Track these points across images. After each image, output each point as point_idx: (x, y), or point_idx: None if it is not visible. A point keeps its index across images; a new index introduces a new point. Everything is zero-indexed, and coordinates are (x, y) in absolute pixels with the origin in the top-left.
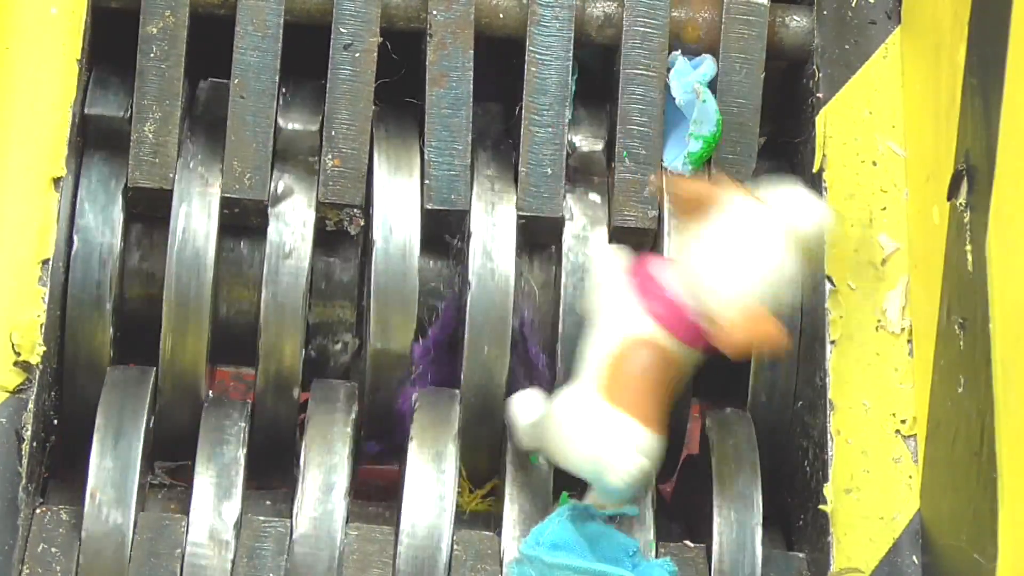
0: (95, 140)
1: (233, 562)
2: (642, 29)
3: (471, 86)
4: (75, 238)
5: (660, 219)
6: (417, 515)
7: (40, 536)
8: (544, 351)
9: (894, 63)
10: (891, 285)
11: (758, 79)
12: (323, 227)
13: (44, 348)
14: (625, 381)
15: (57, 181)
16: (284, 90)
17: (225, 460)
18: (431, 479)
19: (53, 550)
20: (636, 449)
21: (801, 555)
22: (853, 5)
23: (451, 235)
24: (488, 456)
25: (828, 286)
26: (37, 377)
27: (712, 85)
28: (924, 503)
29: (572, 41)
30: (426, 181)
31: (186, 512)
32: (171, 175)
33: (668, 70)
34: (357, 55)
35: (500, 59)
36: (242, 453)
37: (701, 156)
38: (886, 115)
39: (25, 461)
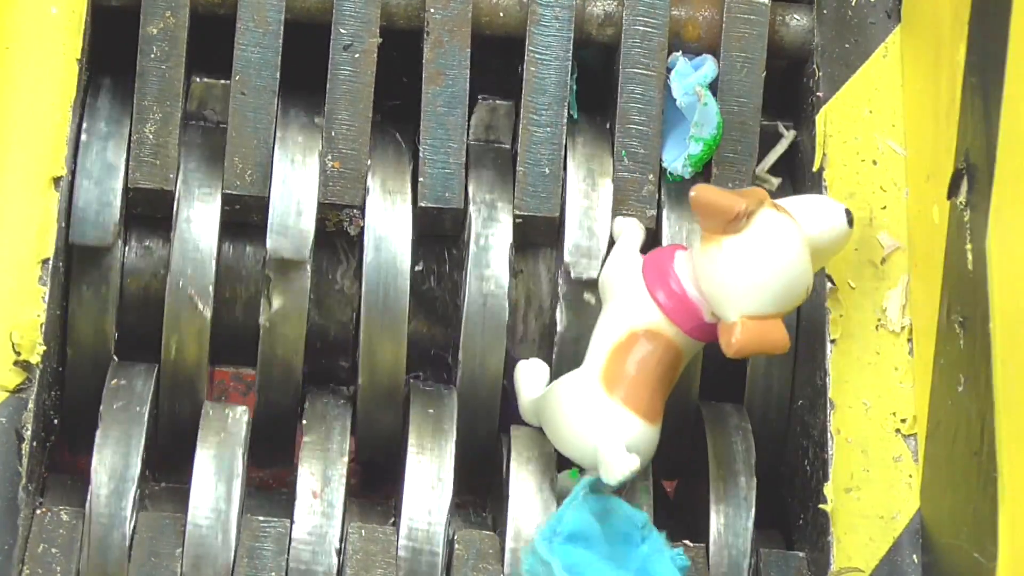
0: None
1: (233, 562)
2: (642, 28)
3: (467, 84)
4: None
5: (659, 219)
6: (417, 515)
7: (40, 536)
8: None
9: (894, 62)
10: (891, 284)
11: (759, 78)
12: (323, 228)
13: (44, 348)
14: (626, 372)
15: (57, 181)
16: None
17: (225, 460)
18: (430, 478)
19: (53, 550)
20: (630, 444)
21: (801, 554)
22: (853, 4)
23: (445, 234)
24: (487, 453)
25: (828, 285)
26: (37, 377)
27: (713, 85)
28: (924, 502)
29: (571, 41)
30: (420, 179)
31: (186, 512)
32: (172, 176)
33: (669, 71)
34: (357, 56)
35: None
36: (243, 453)
37: (701, 158)
38: (886, 114)
39: (25, 461)
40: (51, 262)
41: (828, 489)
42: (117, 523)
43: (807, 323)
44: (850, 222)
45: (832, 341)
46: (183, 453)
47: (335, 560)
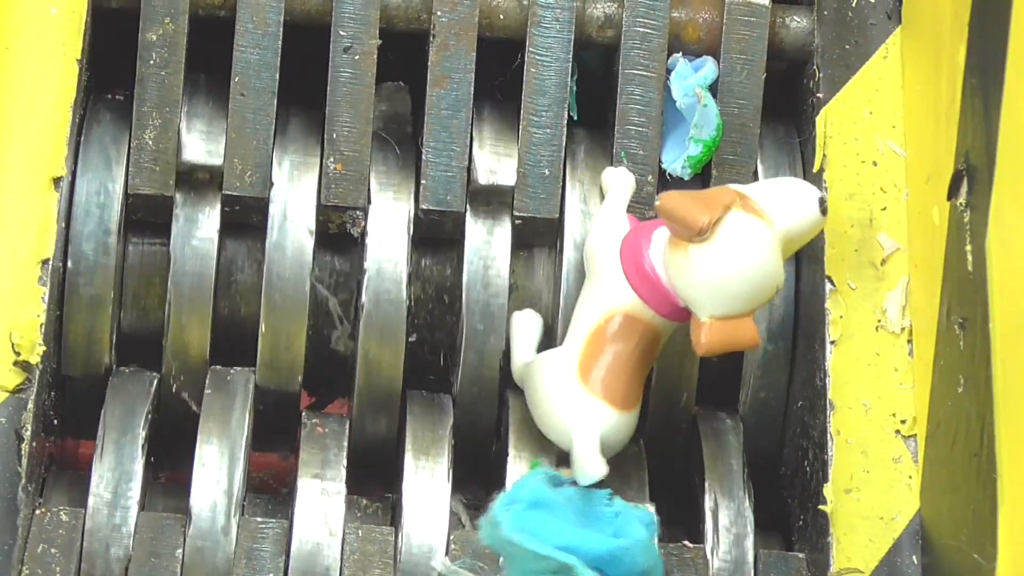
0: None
1: (232, 563)
2: (641, 29)
3: (472, 88)
4: (75, 238)
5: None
6: (414, 516)
7: (40, 536)
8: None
9: (894, 63)
10: (891, 285)
11: (759, 80)
12: (325, 229)
13: (44, 348)
14: (602, 361)
15: (57, 181)
16: None
17: (225, 460)
18: (427, 480)
19: (53, 550)
20: (605, 434)
21: (801, 555)
22: (853, 6)
23: (445, 237)
24: (483, 456)
25: (828, 286)
26: (37, 377)
27: (713, 87)
28: (924, 503)
29: (572, 43)
30: (422, 181)
31: (186, 512)
32: (171, 182)
33: (669, 72)
34: (357, 58)
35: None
36: (242, 454)
37: (700, 160)
38: (886, 115)
39: (25, 461)
40: (51, 262)
41: (828, 490)
42: (117, 523)
43: (807, 324)
44: (823, 211)
45: (832, 342)
46: (184, 454)
47: (334, 561)
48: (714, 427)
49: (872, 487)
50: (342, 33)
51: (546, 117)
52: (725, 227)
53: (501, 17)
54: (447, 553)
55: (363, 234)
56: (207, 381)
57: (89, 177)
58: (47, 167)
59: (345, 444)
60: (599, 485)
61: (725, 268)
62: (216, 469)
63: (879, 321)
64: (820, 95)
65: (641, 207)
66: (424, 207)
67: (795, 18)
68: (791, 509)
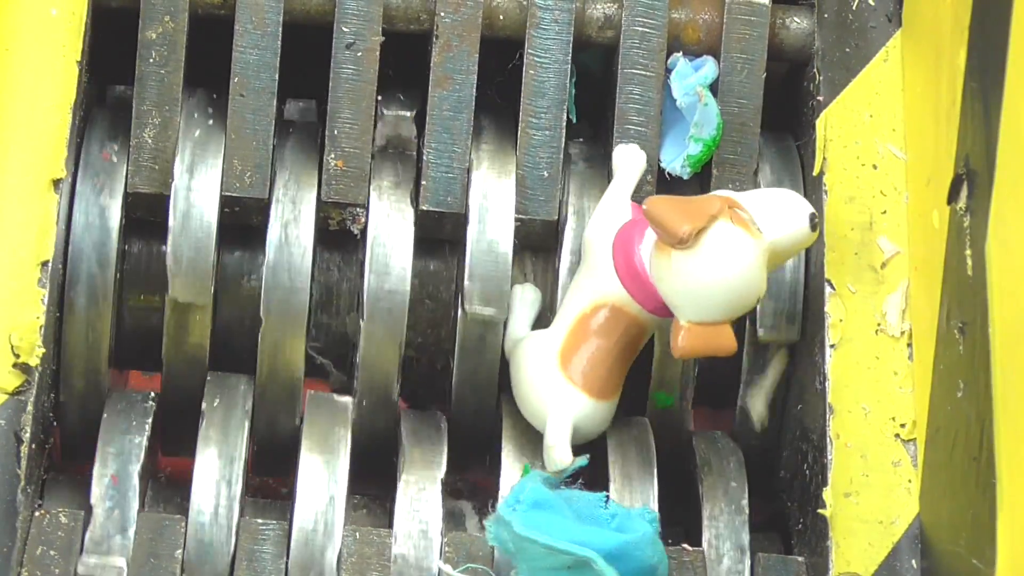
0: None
1: (232, 564)
2: (641, 29)
3: (474, 89)
4: (75, 240)
5: None
6: (409, 518)
7: (39, 538)
8: None
9: (895, 66)
10: (891, 289)
11: (759, 80)
12: (325, 226)
13: (43, 350)
14: (584, 350)
15: (57, 182)
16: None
17: (225, 462)
18: (423, 483)
19: (52, 552)
20: (579, 422)
21: (800, 559)
22: (854, 8)
23: (446, 237)
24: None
25: (828, 289)
26: (36, 379)
27: (713, 87)
28: (923, 507)
29: (571, 44)
30: (423, 182)
31: (186, 513)
32: (170, 181)
33: (669, 72)
34: (359, 54)
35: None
36: (242, 455)
37: (700, 159)
38: (886, 118)
39: (24, 463)
40: (50, 264)
41: (827, 494)
42: (118, 525)
43: (807, 327)
44: (813, 227)
45: (832, 346)
46: (184, 454)
47: (333, 563)
48: (712, 428)
49: (871, 491)
50: (345, 29)
51: (545, 119)
52: (709, 237)
53: (501, 18)
54: (440, 556)
55: (363, 231)
56: (207, 384)
57: (89, 177)
58: (47, 169)
59: (344, 446)
60: (599, 487)
61: (706, 277)
62: (216, 470)
63: (879, 325)
64: (820, 98)
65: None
66: (424, 208)
67: (795, 19)
68: (790, 513)
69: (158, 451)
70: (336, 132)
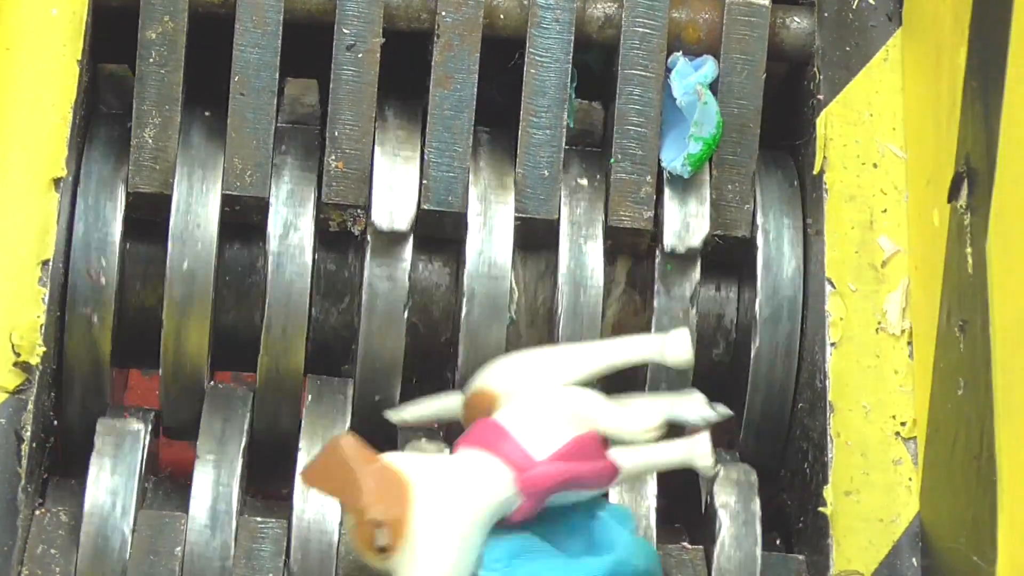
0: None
1: (231, 563)
2: (641, 29)
3: (475, 89)
4: (75, 239)
5: (657, 219)
6: None
7: (39, 537)
8: None
9: (895, 65)
10: (891, 287)
11: (759, 80)
12: (326, 227)
13: (44, 349)
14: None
15: (57, 181)
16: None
17: (225, 460)
18: None
19: (52, 551)
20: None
21: (800, 557)
22: (854, 7)
23: (447, 237)
24: None
25: (828, 288)
26: (37, 378)
27: (713, 86)
28: (924, 506)
29: (571, 44)
30: (424, 181)
31: (186, 511)
32: (171, 180)
33: (669, 71)
34: (360, 56)
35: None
36: (243, 453)
37: (701, 158)
38: (887, 117)
39: (24, 462)
40: (51, 263)
41: (827, 492)
42: (117, 524)
43: (808, 326)
44: None
45: (832, 344)
46: (184, 453)
47: (332, 561)
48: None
49: (872, 489)
50: (345, 31)
51: (545, 118)
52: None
53: (502, 17)
54: None
55: (364, 232)
56: (207, 383)
57: (90, 176)
58: (47, 168)
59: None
60: None
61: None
62: (216, 469)
63: (879, 323)
64: (820, 97)
65: (640, 208)
66: (426, 207)
67: (795, 18)
68: (791, 511)
69: (158, 449)
70: (337, 134)
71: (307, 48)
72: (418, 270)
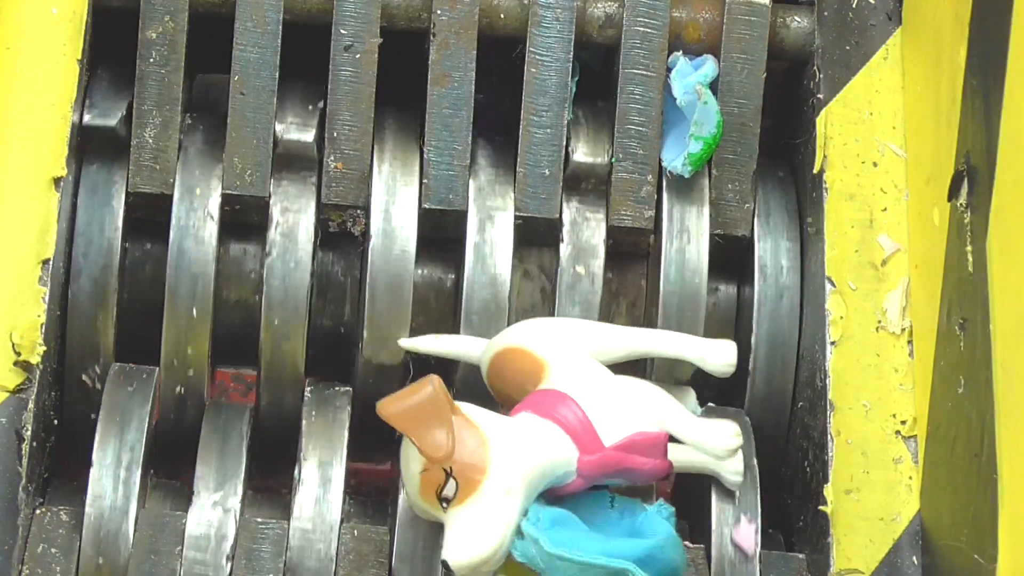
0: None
1: (231, 564)
2: (642, 29)
3: (473, 87)
4: (76, 238)
5: (657, 219)
6: (410, 516)
7: (40, 536)
8: None
9: (895, 64)
10: (892, 286)
11: (759, 79)
12: (326, 228)
13: (44, 348)
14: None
15: (57, 181)
16: None
17: (226, 460)
18: None
19: (53, 550)
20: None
21: (801, 556)
22: (854, 6)
23: (448, 235)
24: None
25: (828, 287)
26: (37, 377)
27: (713, 86)
28: (924, 504)
29: (572, 43)
30: (424, 180)
31: (186, 510)
32: (171, 180)
33: (669, 71)
34: (358, 56)
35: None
36: (243, 453)
37: (701, 157)
38: (887, 116)
39: (25, 461)
40: (51, 262)
41: (828, 491)
42: (118, 523)
43: (807, 325)
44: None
45: (832, 343)
46: (185, 454)
47: (331, 561)
48: None
49: (872, 488)
50: (343, 31)
51: (546, 117)
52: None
53: (502, 16)
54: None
55: (364, 233)
56: (207, 382)
57: (90, 176)
58: (47, 167)
59: (345, 444)
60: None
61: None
62: (216, 469)
63: (879, 322)
64: (820, 96)
65: (641, 207)
66: (427, 206)
67: (795, 18)
68: (791, 510)
69: (158, 448)
70: (335, 134)
71: (307, 48)
72: (418, 270)
